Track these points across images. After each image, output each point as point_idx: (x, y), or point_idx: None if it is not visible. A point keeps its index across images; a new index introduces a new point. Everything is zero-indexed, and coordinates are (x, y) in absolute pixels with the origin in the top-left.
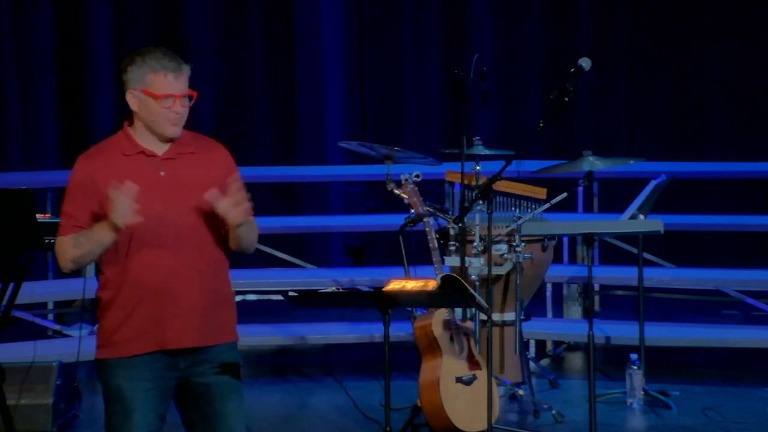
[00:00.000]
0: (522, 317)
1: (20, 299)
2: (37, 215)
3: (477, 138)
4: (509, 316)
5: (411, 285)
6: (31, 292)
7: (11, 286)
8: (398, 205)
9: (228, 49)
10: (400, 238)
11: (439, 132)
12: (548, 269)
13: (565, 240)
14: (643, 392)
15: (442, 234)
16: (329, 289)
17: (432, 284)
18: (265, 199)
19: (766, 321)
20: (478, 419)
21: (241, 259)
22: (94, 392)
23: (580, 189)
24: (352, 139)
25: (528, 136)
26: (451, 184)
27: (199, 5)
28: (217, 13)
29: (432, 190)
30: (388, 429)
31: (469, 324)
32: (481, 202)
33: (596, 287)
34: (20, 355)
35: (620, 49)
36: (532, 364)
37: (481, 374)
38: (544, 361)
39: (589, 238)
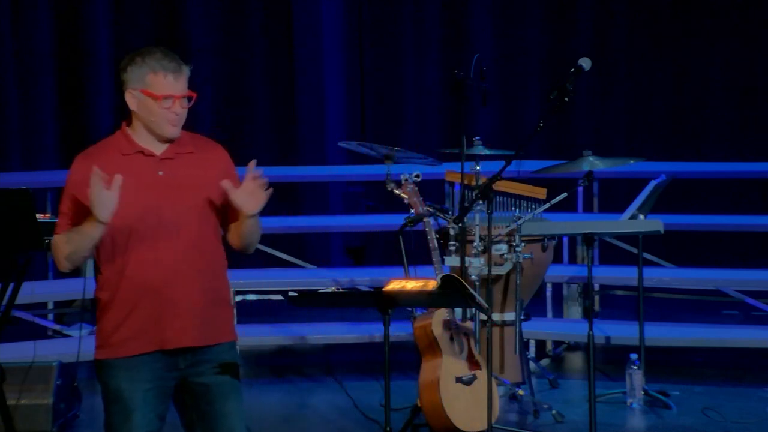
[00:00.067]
0: (522, 317)
1: (20, 299)
2: (37, 215)
3: (477, 138)
4: (509, 316)
5: (411, 285)
6: (31, 292)
7: (11, 286)
8: (398, 205)
9: (228, 49)
10: (400, 238)
11: (439, 132)
12: (548, 269)
13: (565, 240)
14: (643, 392)
15: (442, 234)
16: (329, 289)
17: (432, 284)
18: None
19: (766, 321)
20: (478, 419)
21: (241, 259)
22: (94, 392)
23: (580, 189)
24: (352, 139)
25: (528, 136)
26: (451, 184)
27: (199, 5)
28: (217, 13)
29: (432, 190)
30: (388, 429)
31: (469, 324)
32: (481, 202)
33: (596, 287)
34: (20, 355)
35: (620, 49)
36: (532, 364)
37: (481, 374)
38: (544, 361)
39: (589, 238)
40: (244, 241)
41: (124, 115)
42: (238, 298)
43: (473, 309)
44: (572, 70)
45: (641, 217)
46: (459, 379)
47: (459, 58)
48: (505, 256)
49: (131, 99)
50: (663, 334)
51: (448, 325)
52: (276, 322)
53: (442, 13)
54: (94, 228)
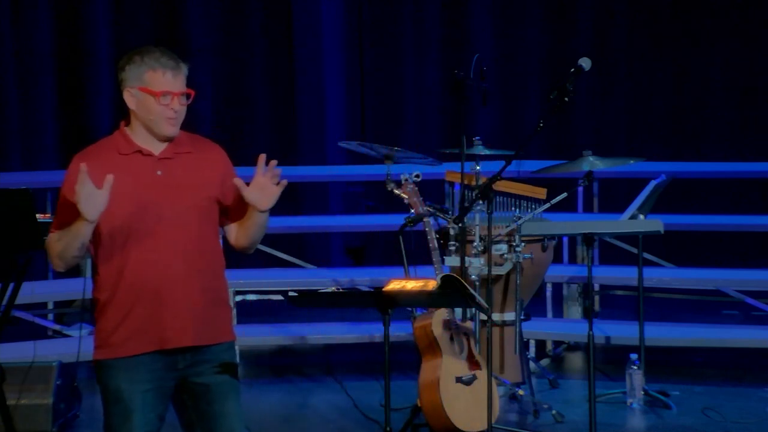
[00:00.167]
0: (522, 317)
1: (20, 299)
2: (37, 215)
3: (477, 138)
4: (509, 316)
5: (411, 285)
6: (31, 292)
7: (11, 286)
8: (398, 205)
9: (228, 49)
10: (400, 238)
11: (439, 132)
12: (548, 269)
13: (565, 240)
14: (643, 392)
15: (442, 234)
16: (329, 289)
17: (432, 284)
18: None
19: (766, 321)
20: (478, 419)
21: (241, 259)
22: (94, 392)
23: (580, 189)
24: (352, 139)
25: (528, 136)
26: (451, 184)
27: (199, 5)
28: (217, 13)
29: (432, 190)
30: (388, 429)
31: (469, 324)
32: (481, 202)
33: (596, 287)
34: (20, 355)
35: (620, 49)
36: (532, 364)
37: (481, 374)
38: (544, 361)
39: (589, 238)
40: (250, 240)
41: (123, 115)
42: (238, 298)
43: (473, 309)
44: (572, 70)
45: (641, 217)
46: (459, 379)
47: (459, 58)
48: (505, 256)
49: (130, 98)
50: (663, 334)
51: (448, 325)
52: (276, 322)
53: (442, 13)
54: (82, 227)
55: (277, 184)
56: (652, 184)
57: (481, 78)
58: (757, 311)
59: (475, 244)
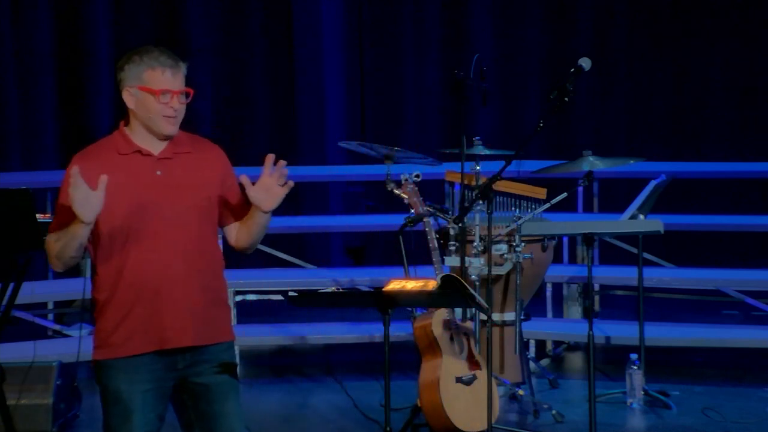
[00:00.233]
0: (522, 317)
1: (20, 299)
2: (37, 215)
3: (477, 138)
4: (509, 316)
5: (411, 285)
6: (31, 292)
7: (11, 286)
8: (398, 205)
9: (228, 49)
10: (400, 238)
11: (439, 132)
12: (548, 269)
13: (565, 240)
14: (643, 392)
15: (442, 234)
16: (329, 289)
17: (432, 284)
18: None
19: (766, 321)
20: (478, 419)
21: (241, 259)
22: (94, 392)
23: (580, 189)
24: (352, 139)
25: (528, 136)
26: (451, 184)
27: (199, 5)
28: (217, 13)
29: (432, 190)
30: (388, 429)
31: (469, 324)
32: (481, 202)
33: (596, 287)
34: (20, 355)
35: (620, 49)
36: (532, 364)
37: (481, 374)
38: (544, 361)
39: (589, 238)
40: (251, 240)
41: (123, 115)
42: (238, 298)
43: (473, 309)
44: (572, 70)
45: (641, 217)
46: (459, 379)
47: (459, 58)
48: (505, 256)
49: (129, 97)
50: (663, 334)
51: (448, 325)
52: (276, 322)
53: (442, 13)
54: (79, 228)
55: (284, 185)
56: (652, 184)
57: (481, 78)
58: (757, 311)
59: (475, 244)
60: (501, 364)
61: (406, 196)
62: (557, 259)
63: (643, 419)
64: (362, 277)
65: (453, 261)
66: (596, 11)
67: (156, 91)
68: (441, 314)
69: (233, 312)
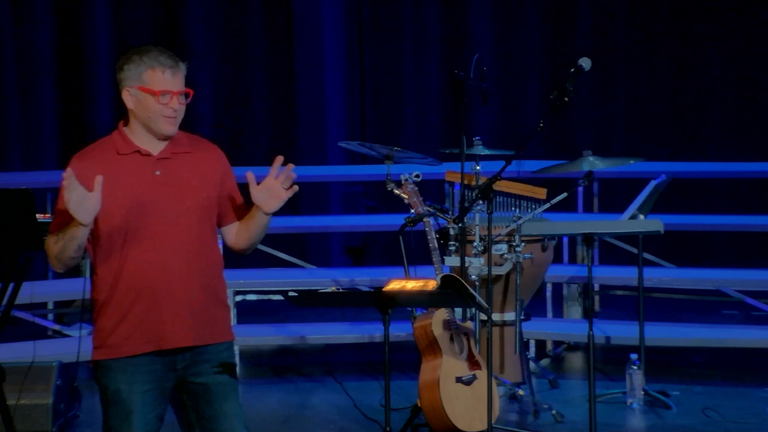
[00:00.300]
0: (522, 317)
1: (20, 299)
2: (37, 215)
3: (477, 138)
4: (509, 316)
5: (411, 285)
6: (31, 292)
7: (11, 286)
8: (398, 205)
9: (228, 49)
10: (400, 238)
11: (439, 132)
12: (548, 269)
13: (565, 240)
14: (643, 392)
15: (442, 234)
16: (329, 289)
17: (432, 284)
18: None
19: (766, 321)
20: (478, 419)
21: (241, 259)
22: (94, 392)
23: (580, 189)
24: (352, 139)
25: (528, 136)
26: (451, 184)
27: (199, 5)
28: (217, 13)
29: (432, 190)
30: (388, 429)
31: (469, 324)
32: (481, 202)
33: (596, 287)
34: (20, 355)
35: (620, 49)
36: (532, 364)
37: (481, 374)
38: (544, 361)
39: (589, 238)
40: (250, 241)
41: (123, 116)
42: (238, 298)
43: (473, 309)
44: (572, 70)
45: (641, 217)
46: (459, 379)
47: (459, 58)
48: (505, 256)
49: (128, 97)
50: (663, 334)
51: (448, 325)
52: (276, 322)
53: (442, 13)
54: (77, 230)
55: (288, 188)
56: (652, 184)
57: (481, 78)
58: (757, 311)
59: (475, 244)
60: (501, 364)
61: (406, 196)
62: (557, 259)
63: (643, 419)
64: (362, 277)
65: (453, 261)
66: (596, 11)
67: (156, 92)
68: (441, 314)
69: (233, 312)
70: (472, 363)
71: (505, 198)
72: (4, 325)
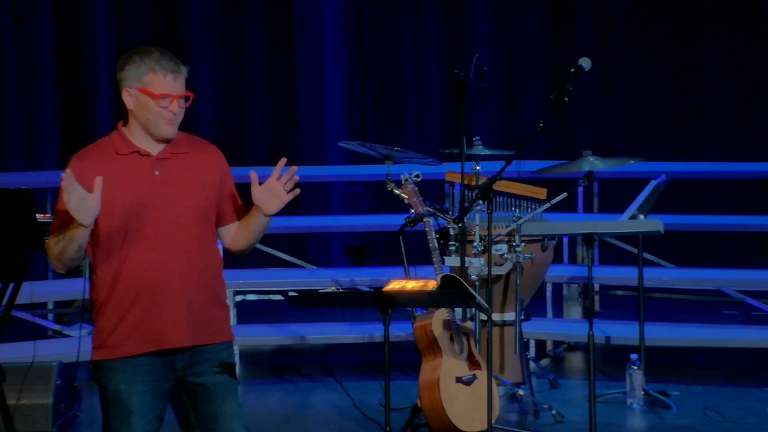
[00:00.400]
0: (522, 317)
1: (20, 299)
2: (37, 215)
3: (477, 138)
4: (509, 316)
5: (411, 285)
6: (31, 292)
7: (11, 286)
8: (398, 205)
9: (228, 49)
10: (400, 238)
11: (439, 132)
12: (548, 269)
13: (565, 240)
14: (643, 392)
15: (442, 234)
16: (329, 289)
17: (432, 284)
18: None
19: (766, 321)
20: (478, 419)
21: (241, 259)
22: (94, 392)
23: (580, 189)
24: (352, 139)
25: (528, 136)
26: (451, 184)
27: (199, 5)
28: (217, 13)
29: (432, 190)
30: (388, 429)
31: (469, 324)
32: (481, 202)
33: (596, 287)
34: (20, 355)
35: (620, 49)
36: (532, 364)
37: (481, 374)
38: (544, 361)
39: (589, 238)
40: (249, 241)
41: (123, 116)
42: (238, 298)
43: (473, 309)
44: (572, 70)
45: (641, 217)
46: (459, 379)
47: (459, 58)
48: (505, 256)
49: (128, 97)
50: (663, 334)
51: (448, 325)
52: (276, 322)
53: (442, 13)
54: (77, 231)
55: (290, 191)
56: (652, 184)
57: (481, 78)
58: (757, 311)
59: (475, 244)
60: (501, 364)
61: (406, 196)
62: (557, 259)
63: (643, 419)
64: (362, 277)
65: (453, 261)
66: (596, 11)
67: (156, 95)
68: (441, 314)
69: (233, 312)
70: (472, 363)
71: (505, 198)
72: (4, 325)
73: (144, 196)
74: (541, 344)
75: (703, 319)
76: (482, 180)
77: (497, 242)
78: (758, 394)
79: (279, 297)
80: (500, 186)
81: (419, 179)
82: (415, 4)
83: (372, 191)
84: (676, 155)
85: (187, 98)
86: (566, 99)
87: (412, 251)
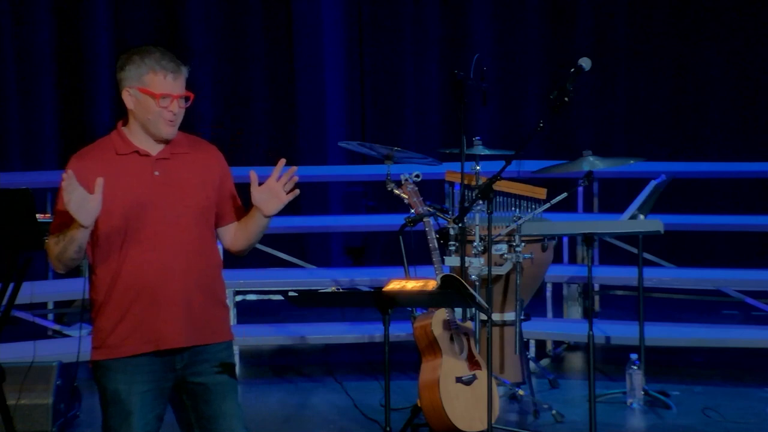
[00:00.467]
0: (522, 317)
1: (20, 299)
2: (37, 215)
3: (477, 138)
4: (509, 316)
5: (411, 285)
6: (31, 292)
7: (11, 286)
8: (398, 205)
9: (228, 49)
10: (400, 238)
11: (439, 132)
12: (548, 269)
13: (565, 240)
14: (643, 392)
15: (442, 234)
16: (329, 289)
17: (432, 284)
18: None
19: (766, 321)
20: (478, 419)
21: (241, 259)
22: (94, 392)
23: (580, 189)
24: (352, 139)
25: (528, 136)
26: (451, 184)
27: (199, 5)
28: (217, 13)
29: (432, 190)
30: (388, 429)
31: (469, 324)
32: (481, 202)
33: (596, 287)
34: (20, 355)
35: (620, 49)
36: (532, 364)
37: (481, 374)
38: (544, 361)
39: (589, 238)
40: (248, 242)
41: (123, 116)
42: (238, 298)
43: (473, 309)
44: (572, 70)
45: (641, 217)
46: (459, 379)
47: (459, 58)
48: (505, 256)
49: (128, 97)
50: (663, 334)
51: (448, 325)
52: (276, 322)
53: (442, 13)
54: (78, 232)
55: (290, 192)
56: (652, 184)
57: (481, 78)
58: (757, 311)
59: (475, 244)
60: (501, 364)
61: (406, 196)
62: (557, 259)
63: (643, 419)
64: (362, 277)
65: (453, 261)
66: (596, 11)
67: (156, 95)
68: (441, 314)
69: (233, 312)
70: (472, 363)
71: (505, 198)
72: (4, 325)
73: (144, 196)
74: (541, 344)
75: (703, 319)
76: (482, 180)
77: (497, 242)
78: (758, 394)
79: (279, 297)
80: (500, 186)
81: (419, 179)
82: (415, 4)
83: (372, 191)
84: (676, 155)
85: (187, 98)
86: (566, 99)
87: (412, 251)
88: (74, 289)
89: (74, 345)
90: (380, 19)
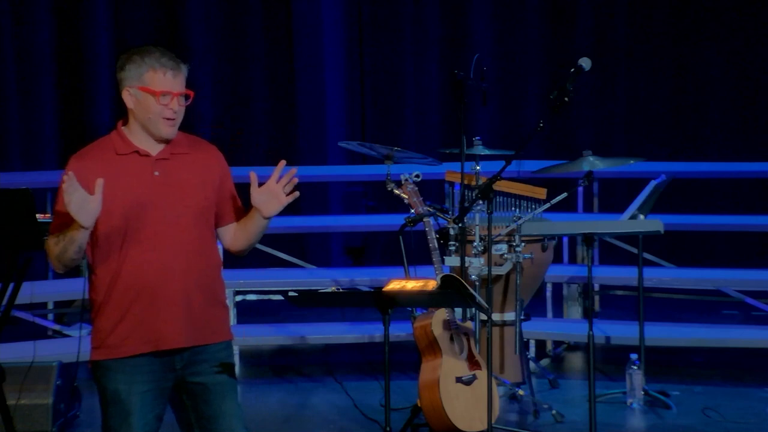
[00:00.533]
0: (522, 317)
1: (20, 299)
2: (37, 215)
3: (477, 138)
4: (509, 316)
5: (411, 285)
6: (31, 292)
7: (11, 286)
8: (398, 205)
9: (228, 49)
10: (400, 238)
11: (439, 132)
12: (548, 269)
13: (565, 240)
14: (643, 392)
15: (442, 234)
16: (329, 289)
17: (432, 284)
18: None
19: (766, 321)
20: (478, 419)
21: (241, 259)
22: (94, 392)
23: (580, 189)
24: (352, 139)
25: (528, 136)
26: (451, 184)
27: (199, 5)
28: (217, 13)
29: (432, 190)
30: (388, 429)
31: (469, 324)
32: (481, 202)
33: (596, 287)
34: (20, 355)
35: (620, 49)
36: (532, 364)
37: (481, 374)
38: (544, 361)
39: (589, 238)
40: (248, 242)
41: (124, 115)
42: (238, 298)
43: (473, 309)
44: (572, 70)
45: (641, 217)
46: (459, 379)
47: (459, 58)
48: (505, 256)
49: (128, 97)
50: (663, 334)
51: (448, 325)
52: (276, 322)
53: (442, 13)
54: (78, 233)
55: (290, 193)
56: (652, 184)
57: (481, 78)
58: (757, 311)
59: (475, 244)
60: (501, 364)
61: (406, 196)
62: (557, 259)
63: (643, 419)
64: (362, 277)
65: (453, 261)
66: (596, 11)
67: (156, 92)
68: (441, 314)
69: (233, 312)
70: (472, 363)
71: (505, 198)
72: (4, 325)
73: (144, 197)
74: (541, 344)
75: (703, 319)
76: (482, 180)
77: (497, 242)
78: (758, 394)
79: (279, 297)
80: (500, 186)
81: (419, 179)
82: (415, 4)
83: (372, 191)
84: (676, 155)
85: (187, 97)
86: (566, 99)
87: (412, 251)
88: (74, 289)
89: (74, 345)
90: (380, 19)
